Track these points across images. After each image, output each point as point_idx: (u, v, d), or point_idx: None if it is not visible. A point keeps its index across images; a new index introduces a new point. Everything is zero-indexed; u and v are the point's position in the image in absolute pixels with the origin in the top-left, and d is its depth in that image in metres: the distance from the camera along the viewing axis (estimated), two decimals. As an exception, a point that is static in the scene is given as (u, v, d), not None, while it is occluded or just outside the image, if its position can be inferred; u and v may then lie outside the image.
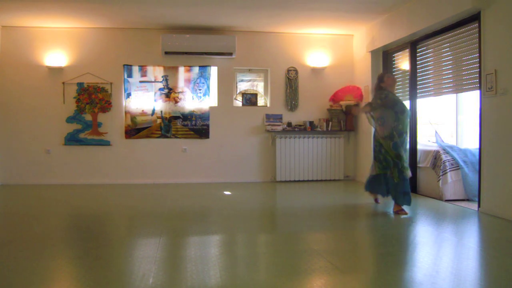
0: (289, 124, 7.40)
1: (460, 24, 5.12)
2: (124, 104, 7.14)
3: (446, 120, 7.33)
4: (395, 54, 6.72)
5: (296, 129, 7.38)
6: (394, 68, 6.77)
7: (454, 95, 6.65)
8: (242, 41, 7.26)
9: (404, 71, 6.44)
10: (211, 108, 7.32)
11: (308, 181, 7.41)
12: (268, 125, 7.36)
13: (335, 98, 7.40)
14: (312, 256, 3.18)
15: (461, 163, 5.60)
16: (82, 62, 7.07)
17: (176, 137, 7.27)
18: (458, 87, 5.35)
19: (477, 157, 4.92)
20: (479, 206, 4.75)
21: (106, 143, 7.12)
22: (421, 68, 6.01)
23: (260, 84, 7.71)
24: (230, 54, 7.04)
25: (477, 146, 4.83)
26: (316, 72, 7.57)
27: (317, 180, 7.43)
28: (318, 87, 7.55)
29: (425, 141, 6.70)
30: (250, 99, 7.51)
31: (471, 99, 6.49)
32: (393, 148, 4.63)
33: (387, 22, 6.39)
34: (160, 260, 3.04)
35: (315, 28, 7.23)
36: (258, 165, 7.44)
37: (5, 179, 6.94)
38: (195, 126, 7.28)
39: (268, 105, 7.54)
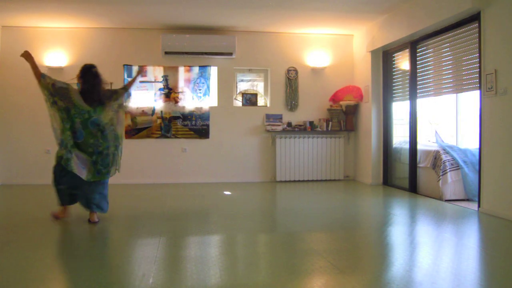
0: (289, 124, 7.40)
1: (460, 24, 5.12)
2: (124, 104, 7.12)
3: (446, 120, 7.33)
4: (395, 54, 6.72)
5: (296, 129, 7.38)
6: (394, 68, 6.77)
7: (454, 95, 6.66)
8: (242, 41, 7.26)
9: (404, 71, 6.44)
10: (211, 108, 7.32)
11: (308, 181, 7.41)
12: (268, 125, 7.36)
13: (335, 98, 7.41)
14: (312, 256, 3.18)
15: (461, 163, 5.60)
16: (82, 62, 6.98)
17: (176, 137, 7.27)
18: (458, 87, 5.35)
19: (477, 157, 4.92)
20: (479, 206, 4.76)
21: (106, 143, 7.10)
22: (421, 68, 6.01)
23: (260, 84, 7.71)
24: (230, 54, 7.05)
25: (477, 146, 4.84)
26: (316, 72, 7.57)
27: (317, 180, 7.44)
28: (318, 87, 7.56)
29: (425, 141, 6.70)
30: (250, 99, 7.51)
31: (471, 99, 6.49)
32: None
33: (387, 22, 6.40)
34: (160, 260, 3.04)
35: (315, 28, 7.23)
36: (258, 165, 7.44)
37: (5, 179, 6.94)
38: (195, 126, 7.28)
39: (268, 105, 7.54)
